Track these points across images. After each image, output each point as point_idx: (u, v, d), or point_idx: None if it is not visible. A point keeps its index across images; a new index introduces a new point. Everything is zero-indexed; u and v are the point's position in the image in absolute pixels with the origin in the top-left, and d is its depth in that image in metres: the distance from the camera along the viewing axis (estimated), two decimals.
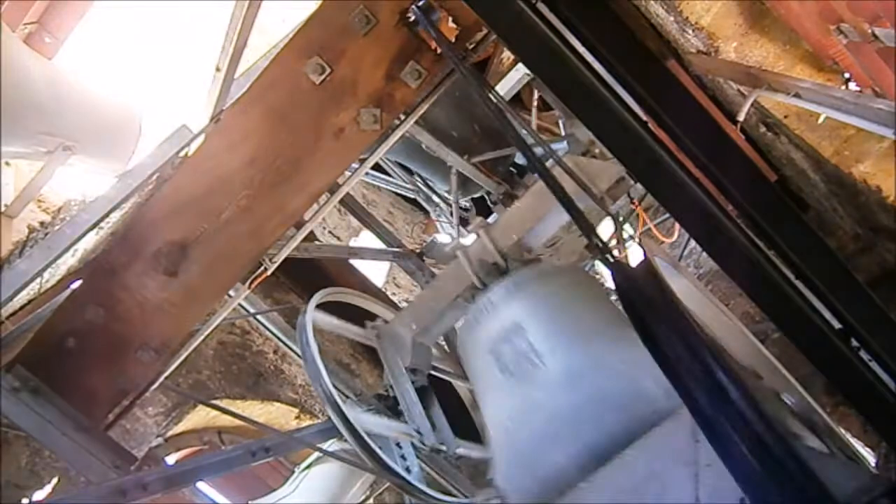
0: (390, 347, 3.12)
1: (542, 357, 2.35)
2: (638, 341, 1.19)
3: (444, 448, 3.07)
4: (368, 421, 2.87)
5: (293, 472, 4.08)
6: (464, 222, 4.34)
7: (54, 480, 4.02)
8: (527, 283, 2.72)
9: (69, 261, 3.56)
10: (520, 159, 3.93)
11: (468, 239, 3.26)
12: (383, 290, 6.94)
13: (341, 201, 3.64)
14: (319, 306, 3.19)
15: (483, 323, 2.67)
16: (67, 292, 2.71)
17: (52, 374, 2.45)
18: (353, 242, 7.65)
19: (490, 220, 3.38)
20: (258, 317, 4.47)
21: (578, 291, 2.78)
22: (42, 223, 3.93)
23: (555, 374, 2.29)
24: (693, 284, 2.99)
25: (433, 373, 3.37)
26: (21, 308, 3.26)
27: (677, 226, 3.17)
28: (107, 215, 3.06)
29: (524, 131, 3.13)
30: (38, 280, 3.11)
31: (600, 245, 1.28)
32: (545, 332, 2.46)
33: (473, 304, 2.88)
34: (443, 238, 5.65)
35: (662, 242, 4.04)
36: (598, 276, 4.65)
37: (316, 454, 3.76)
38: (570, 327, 2.51)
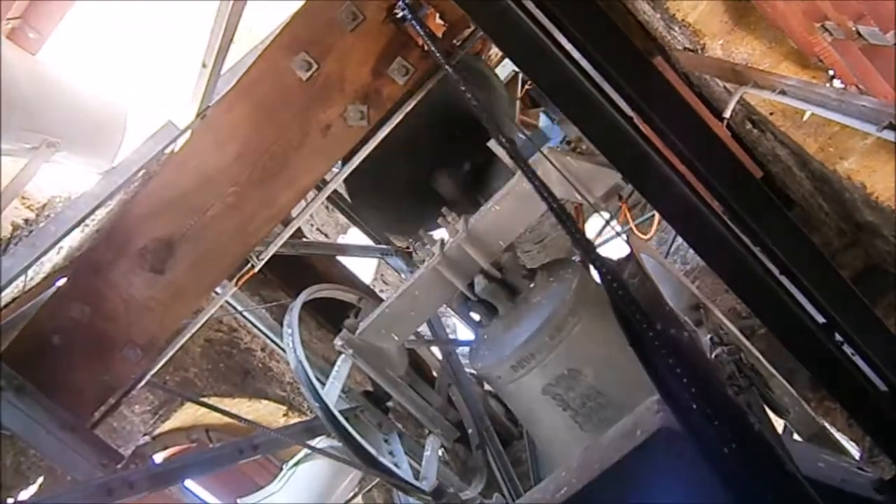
0: (371, 359, 2.88)
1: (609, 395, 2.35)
2: None
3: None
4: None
5: (281, 469, 4.07)
6: None
7: (40, 480, 3.99)
8: (564, 323, 2.64)
9: (54, 258, 3.53)
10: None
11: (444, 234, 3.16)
12: (371, 286, 6.93)
13: (329, 198, 3.63)
14: (307, 304, 3.17)
15: (531, 369, 2.61)
16: (52, 290, 2.69)
17: (37, 373, 2.43)
18: (341, 239, 7.63)
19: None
20: (246, 314, 4.45)
21: (605, 309, 2.69)
22: (26, 220, 3.90)
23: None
24: (679, 280, 3.00)
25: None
26: (6, 306, 3.23)
27: (654, 223, 3.18)
28: (92, 212, 3.04)
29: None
30: (22, 277, 3.09)
31: (585, 244, 1.28)
32: (602, 370, 2.48)
33: (492, 333, 2.84)
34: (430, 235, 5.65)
35: (647, 240, 4.06)
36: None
37: (304, 451, 3.75)
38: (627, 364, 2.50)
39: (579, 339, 2.61)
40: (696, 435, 1.08)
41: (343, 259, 5.43)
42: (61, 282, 2.66)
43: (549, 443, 2.68)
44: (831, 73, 3.96)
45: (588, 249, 1.27)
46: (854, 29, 3.10)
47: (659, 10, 4.42)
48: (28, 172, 3.37)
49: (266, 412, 5.62)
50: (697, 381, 1.09)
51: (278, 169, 2.46)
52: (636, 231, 3.24)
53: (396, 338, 2.92)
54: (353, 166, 2.94)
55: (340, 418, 2.70)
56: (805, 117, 4.14)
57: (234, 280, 2.77)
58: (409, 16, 2.22)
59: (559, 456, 2.59)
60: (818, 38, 3.55)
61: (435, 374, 3.96)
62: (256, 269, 2.73)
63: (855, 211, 4.52)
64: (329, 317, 4.32)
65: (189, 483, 5.48)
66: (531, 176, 1.35)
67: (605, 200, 2.80)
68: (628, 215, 3.00)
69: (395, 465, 3.03)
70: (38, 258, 2.96)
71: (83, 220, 3.02)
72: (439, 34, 2.36)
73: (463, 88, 1.69)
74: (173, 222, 2.50)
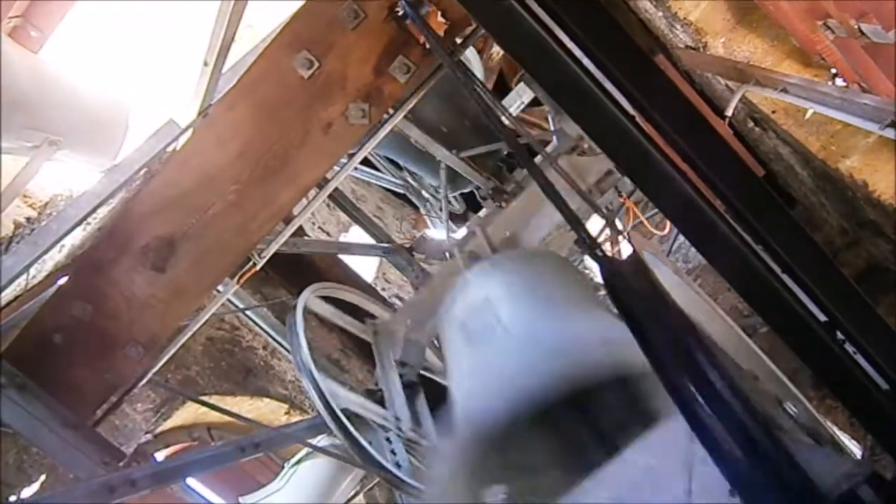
0: (384, 342, 3.15)
1: (504, 325, 2.36)
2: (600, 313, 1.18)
3: (421, 440, 3.09)
4: (346, 398, 2.90)
5: (283, 467, 4.08)
6: (453, 217, 4.34)
7: (42, 478, 4.00)
8: (502, 263, 2.74)
9: (56, 256, 3.54)
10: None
11: (459, 234, 3.27)
12: (373, 285, 6.94)
13: (330, 196, 3.63)
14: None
15: (458, 301, 2.64)
16: (54, 288, 2.69)
17: (39, 371, 2.43)
18: (343, 237, 7.64)
19: (481, 214, 3.40)
20: (247, 312, 4.46)
21: (551, 271, 2.75)
22: (28, 219, 3.90)
23: (514, 339, 2.30)
24: (681, 278, 3.00)
25: (427, 374, 3.38)
26: (7, 304, 3.24)
27: (669, 222, 3.20)
28: (94, 210, 3.05)
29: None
30: (24, 276, 3.09)
31: (588, 240, 1.28)
32: (512, 304, 2.47)
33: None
34: (432, 233, 5.66)
35: (653, 236, 4.06)
36: (588, 272, 4.66)
37: (305, 450, 3.76)
38: (537, 301, 2.51)
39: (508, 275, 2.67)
40: (699, 426, 1.08)
41: (345, 257, 5.43)
42: (63, 280, 2.66)
43: (452, 383, 2.70)
44: (833, 71, 3.96)
45: (589, 243, 1.27)
46: (856, 27, 3.10)
47: (661, 9, 4.42)
48: (30, 171, 3.38)
49: (267, 410, 5.63)
50: (700, 372, 1.10)
51: (280, 167, 2.46)
52: (647, 224, 3.28)
53: (409, 322, 3.10)
54: (354, 165, 2.95)
55: (333, 403, 2.73)
56: (807, 115, 4.14)
57: (236, 278, 2.77)
58: (411, 14, 2.22)
59: (457, 394, 2.60)
60: (820, 36, 3.55)
61: None
62: (258, 268, 2.73)
63: (857, 209, 4.52)
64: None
65: (191, 481, 5.49)
66: (536, 173, 1.35)
67: (599, 189, 2.87)
68: (634, 210, 3.02)
69: (397, 464, 3.03)
70: (40, 256, 2.96)
71: (85, 218, 3.03)
72: (441, 32, 2.35)
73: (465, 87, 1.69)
74: (175, 220, 2.50)
